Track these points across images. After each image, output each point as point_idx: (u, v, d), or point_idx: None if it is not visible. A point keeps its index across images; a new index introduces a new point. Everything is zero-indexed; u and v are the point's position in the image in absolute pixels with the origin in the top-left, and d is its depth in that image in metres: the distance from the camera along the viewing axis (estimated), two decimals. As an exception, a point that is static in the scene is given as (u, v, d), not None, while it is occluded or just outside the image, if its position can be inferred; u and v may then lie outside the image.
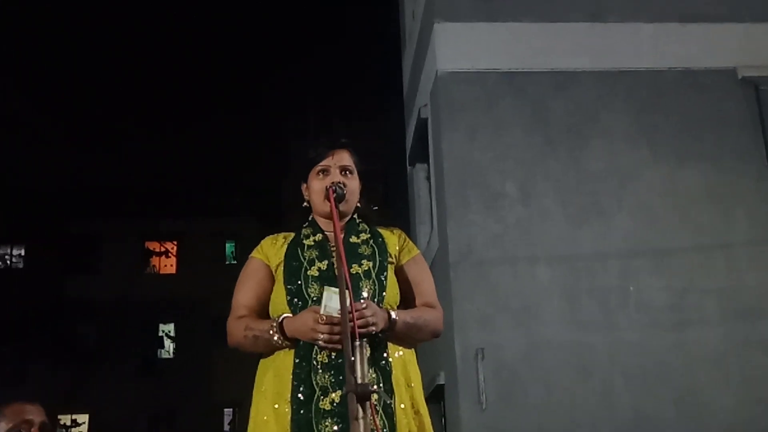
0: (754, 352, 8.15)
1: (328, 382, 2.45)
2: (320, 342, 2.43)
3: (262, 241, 2.82)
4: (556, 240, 8.48)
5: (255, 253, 2.79)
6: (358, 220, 2.79)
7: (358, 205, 2.81)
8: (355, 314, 2.36)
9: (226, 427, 25.93)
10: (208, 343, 25.58)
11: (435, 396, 9.19)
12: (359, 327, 2.36)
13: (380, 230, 2.80)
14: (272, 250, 2.75)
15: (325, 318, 2.39)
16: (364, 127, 20.87)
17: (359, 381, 2.11)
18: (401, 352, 2.59)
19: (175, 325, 27.02)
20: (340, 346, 2.36)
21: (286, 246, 2.73)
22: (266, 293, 2.69)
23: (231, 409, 25.80)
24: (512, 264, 8.42)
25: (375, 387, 2.39)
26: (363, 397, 2.07)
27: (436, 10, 9.25)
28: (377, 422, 2.36)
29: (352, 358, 2.16)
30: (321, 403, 2.43)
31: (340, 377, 2.43)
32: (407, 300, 2.70)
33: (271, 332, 2.53)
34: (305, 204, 2.81)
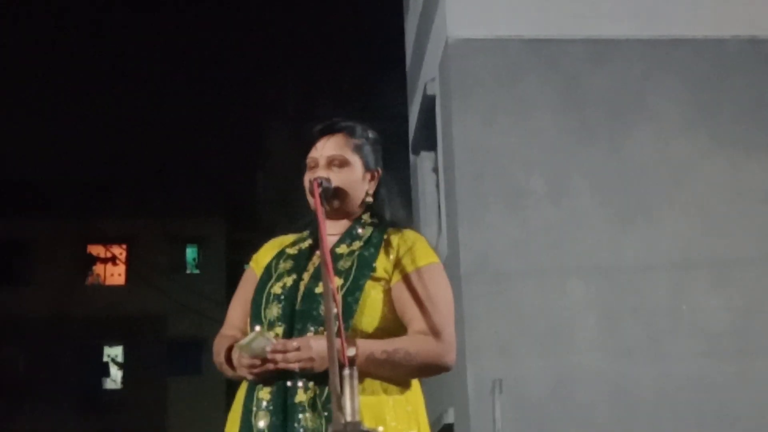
0: (836, 387, 8.18)
1: (265, 425, 2.46)
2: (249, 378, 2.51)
3: (265, 244, 2.87)
4: (593, 248, 8.50)
5: (251, 260, 2.86)
6: (368, 221, 2.76)
7: (369, 199, 2.77)
8: (277, 356, 2.41)
9: (186, 474, 25.99)
10: (165, 370, 25.63)
11: (442, 439, 9.23)
12: (283, 364, 2.41)
13: (388, 234, 2.73)
14: (265, 257, 2.79)
15: (245, 357, 2.45)
16: (355, 106, 20.90)
17: (348, 419, 2.09)
18: (370, 395, 2.52)
19: (123, 349, 27.05)
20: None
21: (275, 252, 2.77)
22: None
23: (191, 452, 25.87)
24: (538, 277, 8.45)
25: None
26: (352, 438, 2.07)
27: (446, -37, 9.28)
28: None
29: (340, 392, 2.13)
30: None
31: (274, 420, 2.45)
32: (392, 326, 2.64)
33: (222, 361, 2.62)
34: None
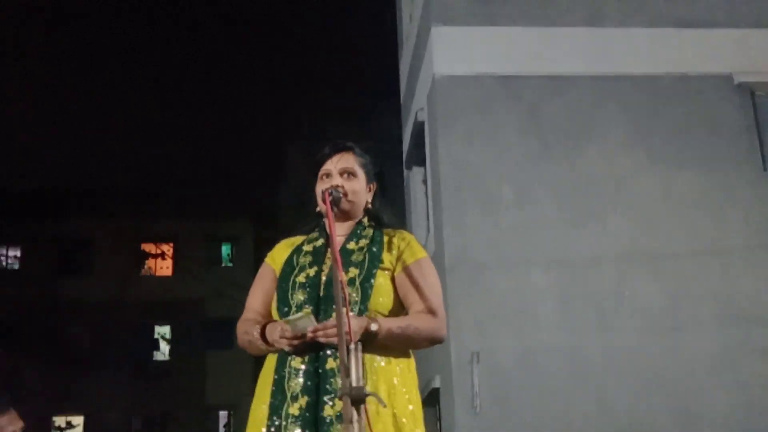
0: (749, 357, 8.17)
1: (298, 388, 2.46)
2: (287, 350, 2.48)
3: (278, 244, 2.84)
4: (552, 244, 8.48)
5: (267, 257, 2.82)
6: (367, 223, 2.77)
7: (369, 206, 2.80)
8: (319, 333, 2.40)
9: (221, 430, 25.86)
10: (204, 345, 25.56)
11: (430, 400, 9.19)
12: (324, 339, 2.40)
13: (385, 234, 2.76)
14: (280, 254, 2.76)
15: (289, 331, 2.43)
16: (360, 130, 20.86)
17: (354, 384, 2.11)
18: (383, 362, 2.55)
19: (170, 328, 26.94)
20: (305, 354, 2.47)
21: (291, 250, 2.75)
22: (272, 297, 2.71)
23: (226, 412, 25.75)
24: (508, 268, 8.42)
25: (321, 395, 2.41)
26: (357, 400, 2.08)
27: (433, 14, 9.27)
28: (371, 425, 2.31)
29: (348, 362, 2.15)
30: (290, 408, 2.45)
31: (308, 383, 2.45)
32: (396, 307, 2.66)
33: (255, 338, 2.58)
34: (318, 209, 2.79)
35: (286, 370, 2.50)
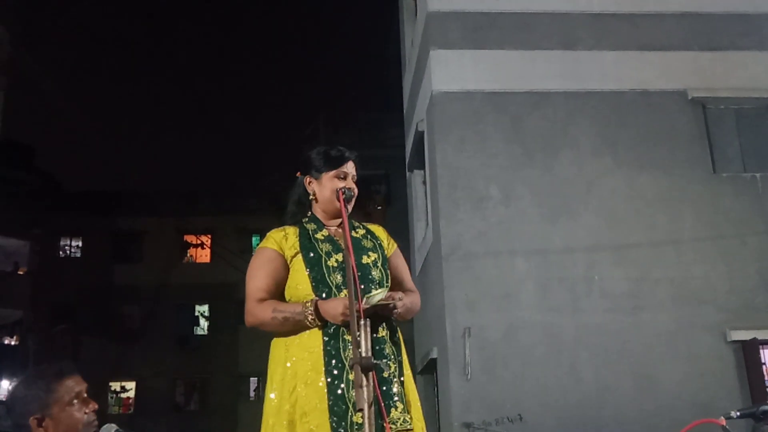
0: (699, 332, 8.16)
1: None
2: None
3: (271, 234, 2.70)
4: (532, 236, 8.47)
5: (268, 244, 2.66)
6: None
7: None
8: (396, 303, 2.44)
9: (252, 394, 25.91)
10: (237, 321, 25.57)
11: (429, 368, 9.19)
12: (391, 310, 2.43)
13: (369, 225, 2.78)
14: (284, 242, 2.65)
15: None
16: (369, 139, 20.86)
17: (363, 355, 2.11)
18: (397, 328, 2.64)
19: (209, 307, 27.00)
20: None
21: (297, 238, 2.66)
22: (282, 279, 2.63)
23: (256, 378, 25.79)
24: (494, 257, 8.41)
25: (375, 359, 2.39)
26: (366, 368, 2.08)
27: (431, 39, 9.26)
28: (378, 389, 2.33)
29: (358, 336, 2.16)
30: (350, 375, 2.40)
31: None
32: (392, 284, 2.69)
33: (307, 314, 2.46)
34: (311, 197, 2.74)
35: (341, 342, 2.47)
